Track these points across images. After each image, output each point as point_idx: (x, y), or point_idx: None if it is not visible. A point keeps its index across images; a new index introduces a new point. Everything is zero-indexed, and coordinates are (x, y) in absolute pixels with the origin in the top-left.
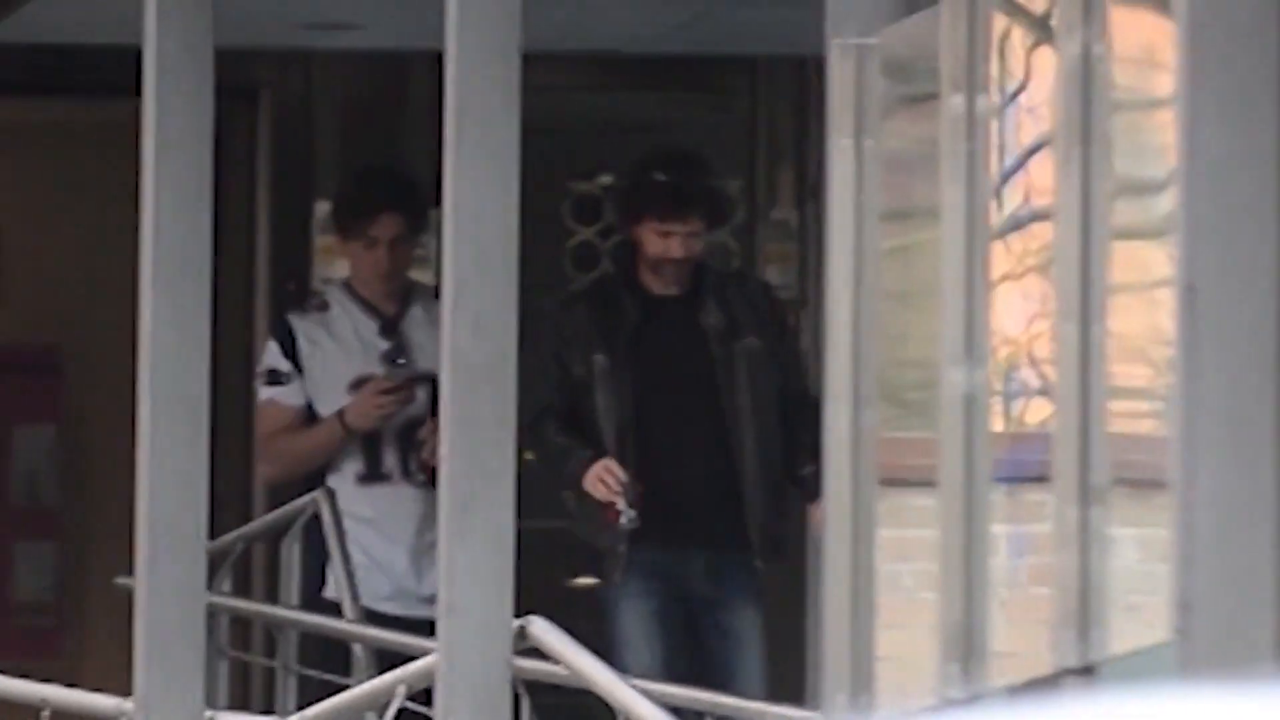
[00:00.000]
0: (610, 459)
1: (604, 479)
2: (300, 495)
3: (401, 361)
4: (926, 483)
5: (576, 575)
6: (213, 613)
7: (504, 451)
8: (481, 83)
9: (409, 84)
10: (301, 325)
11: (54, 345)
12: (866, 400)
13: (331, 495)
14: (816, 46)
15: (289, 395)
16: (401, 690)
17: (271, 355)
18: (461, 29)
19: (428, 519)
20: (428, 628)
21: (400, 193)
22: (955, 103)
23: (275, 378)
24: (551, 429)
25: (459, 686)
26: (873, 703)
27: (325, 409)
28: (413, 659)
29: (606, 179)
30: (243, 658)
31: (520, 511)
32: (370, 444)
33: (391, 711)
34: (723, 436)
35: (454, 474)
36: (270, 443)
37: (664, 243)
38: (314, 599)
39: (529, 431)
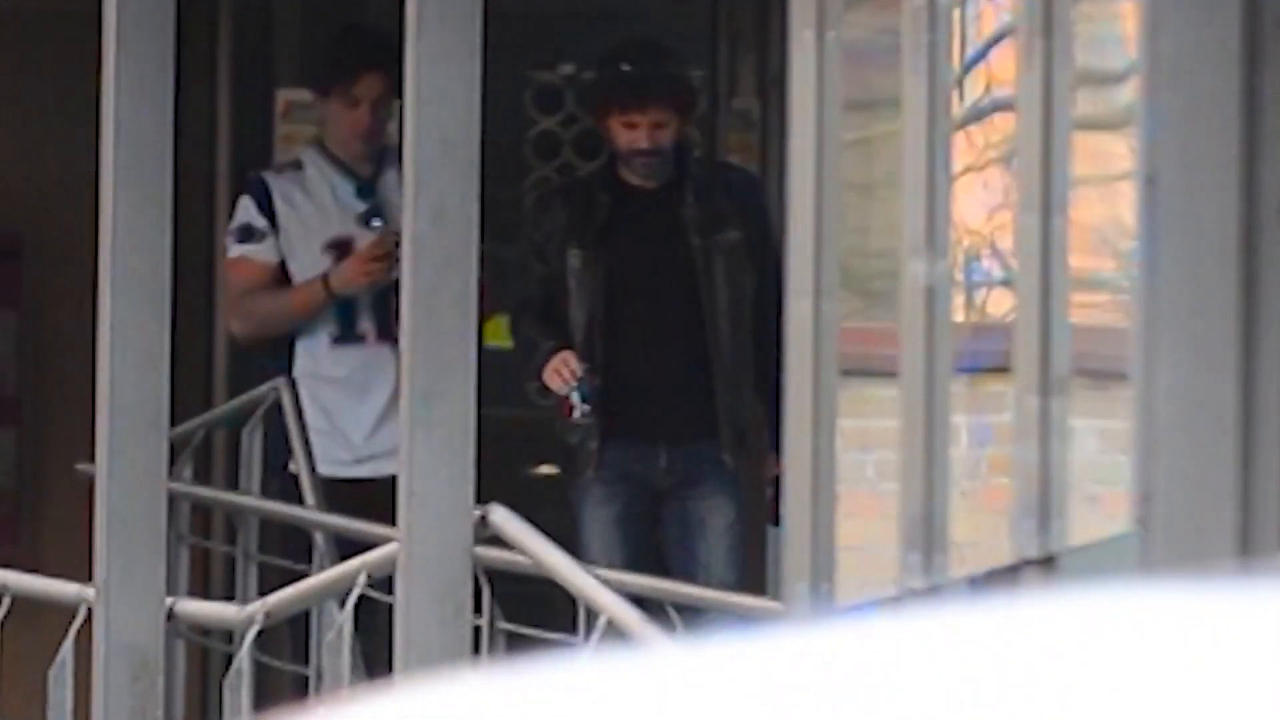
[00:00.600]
0: (567, 352)
1: (559, 371)
2: (263, 381)
3: (377, 223)
4: (888, 373)
5: (539, 464)
6: (174, 500)
7: (465, 340)
8: None
9: None
10: (276, 183)
11: (14, 232)
12: (828, 291)
13: (293, 384)
14: None
15: (262, 252)
16: (363, 578)
17: (245, 211)
18: None
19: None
20: (389, 485)
21: (384, 51)
22: None
23: (248, 234)
24: (527, 323)
25: (420, 574)
26: (833, 592)
27: (298, 269)
28: (373, 545)
29: (568, 69)
30: (204, 545)
31: (482, 400)
32: (345, 305)
33: (352, 598)
34: (697, 329)
35: (415, 363)
36: (243, 301)
37: (630, 134)
38: (280, 470)
39: (510, 325)
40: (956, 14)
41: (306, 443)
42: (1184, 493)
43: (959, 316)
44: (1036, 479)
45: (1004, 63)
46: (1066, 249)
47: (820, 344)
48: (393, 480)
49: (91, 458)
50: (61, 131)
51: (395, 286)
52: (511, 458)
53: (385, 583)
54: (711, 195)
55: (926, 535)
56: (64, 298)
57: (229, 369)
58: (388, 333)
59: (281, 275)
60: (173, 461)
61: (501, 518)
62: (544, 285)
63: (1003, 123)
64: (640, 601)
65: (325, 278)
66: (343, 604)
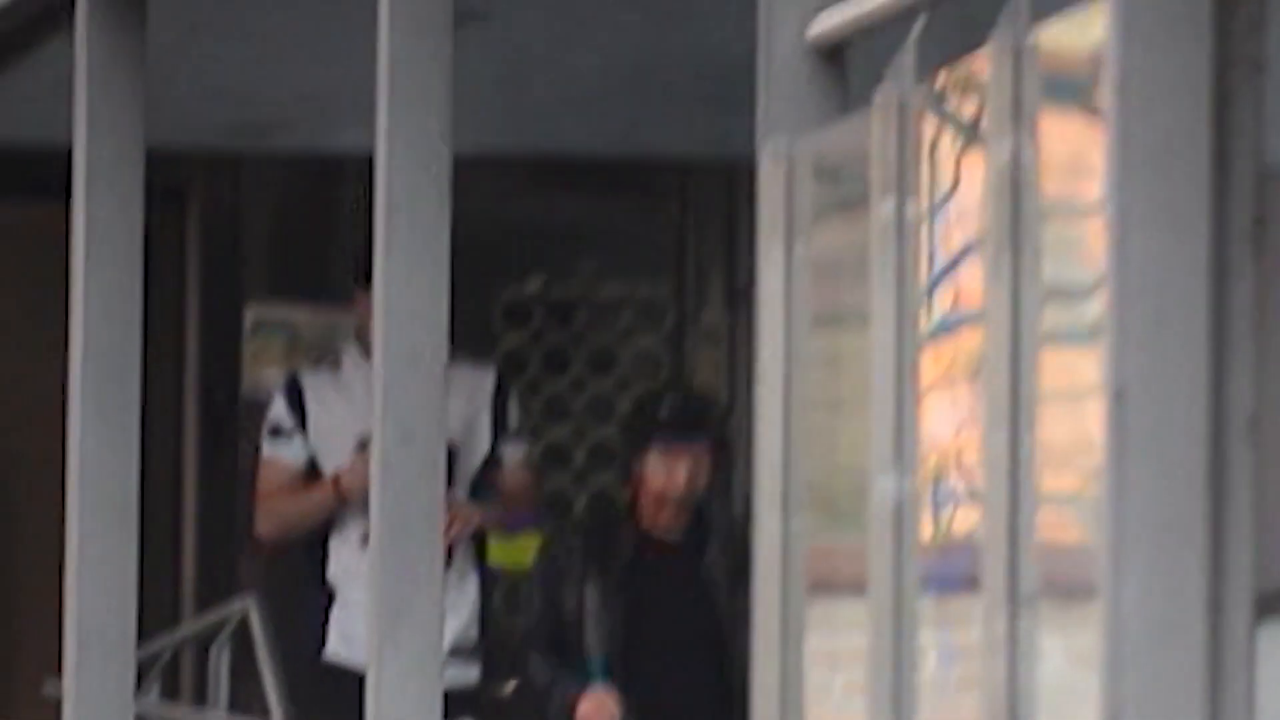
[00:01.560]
0: (604, 692)
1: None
2: (231, 598)
3: None
4: (856, 590)
5: (503, 682)
6: (141, 719)
7: (433, 559)
8: (412, 185)
9: (339, 187)
10: (310, 379)
11: None
12: (796, 507)
13: (259, 602)
14: (747, 150)
15: (289, 452)
16: None
17: (276, 410)
18: (392, 132)
19: None
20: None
21: None
22: (885, 208)
23: (277, 433)
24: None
25: None
26: None
27: (329, 465)
28: None
29: (537, 283)
30: None
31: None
32: None
33: None
34: (723, 678)
35: (384, 582)
36: (266, 502)
37: (670, 472)
38: (313, 660)
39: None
40: (924, 228)
41: (275, 666)
42: (1152, 711)
43: (926, 533)
44: (1004, 697)
45: (971, 277)
46: (1034, 465)
47: (788, 560)
48: None
49: (59, 676)
50: (30, 347)
51: None
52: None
53: None
54: (736, 549)
55: None
56: (32, 517)
57: (196, 586)
58: None
59: (311, 473)
60: (140, 680)
61: None
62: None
63: (970, 337)
64: None
65: (336, 480)
66: None
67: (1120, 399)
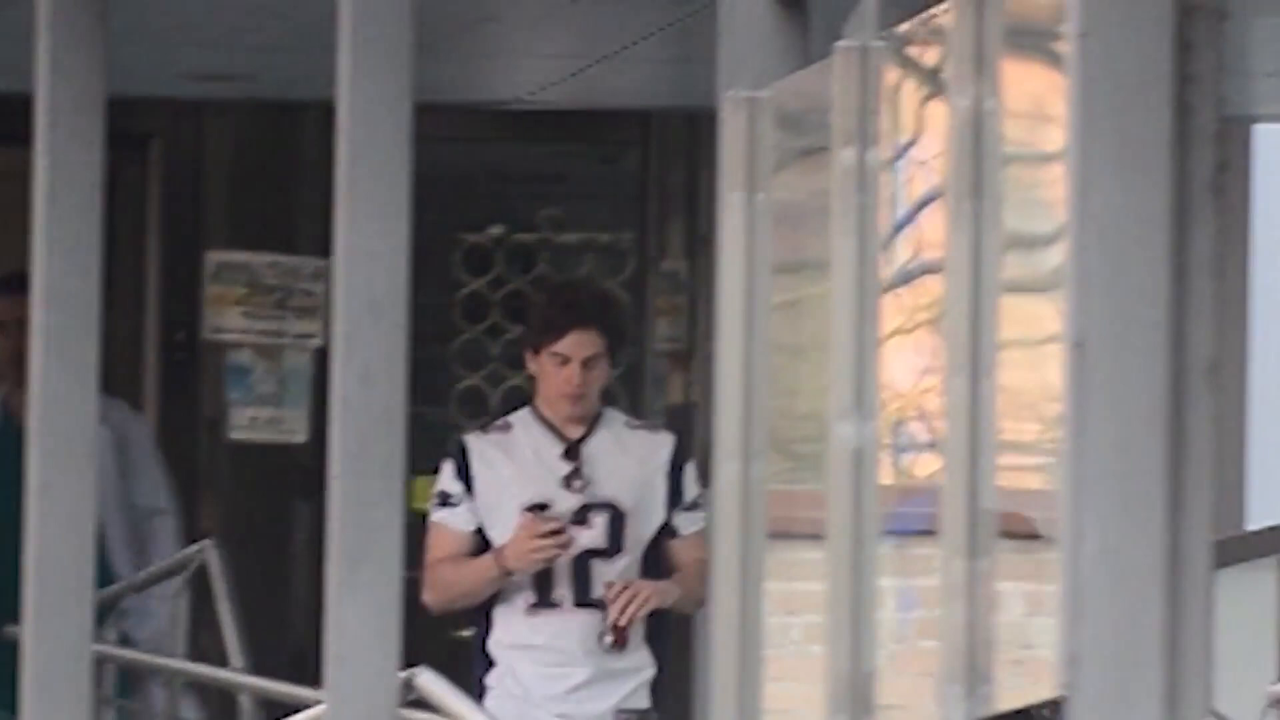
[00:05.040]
0: None
1: None
2: (191, 544)
3: (579, 485)
4: (815, 536)
5: (461, 628)
6: (99, 662)
7: (392, 503)
8: (373, 133)
9: (300, 134)
10: (478, 445)
11: None
12: (756, 453)
13: (216, 547)
14: (708, 99)
15: (457, 519)
16: None
17: (444, 476)
18: (353, 80)
19: (599, 654)
20: None
21: (595, 310)
22: (846, 155)
23: (445, 500)
24: None
25: None
26: None
27: (497, 532)
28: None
29: (497, 230)
30: (129, 706)
31: (407, 562)
32: (542, 572)
33: None
34: None
35: (343, 525)
36: (433, 570)
37: None
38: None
39: None
40: (886, 177)
41: (234, 611)
42: (1111, 657)
43: (887, 479)
44: (964, 642)
45: (933, 225)
46: (994, 412)
47: (748, 506)
48: None
49: (18, 620)
50: None
51: (594, 552)
52: (437, 620)
53: None
54: None
55: (853, 699)
56: None
57: None
58: (586, 601)
59: (477, 540)
60: (98, 623)
61: (427, 681)
62: None
63: (931, 285)
64: None
65: (500, 554)
66: None
67: (1080, 349)
